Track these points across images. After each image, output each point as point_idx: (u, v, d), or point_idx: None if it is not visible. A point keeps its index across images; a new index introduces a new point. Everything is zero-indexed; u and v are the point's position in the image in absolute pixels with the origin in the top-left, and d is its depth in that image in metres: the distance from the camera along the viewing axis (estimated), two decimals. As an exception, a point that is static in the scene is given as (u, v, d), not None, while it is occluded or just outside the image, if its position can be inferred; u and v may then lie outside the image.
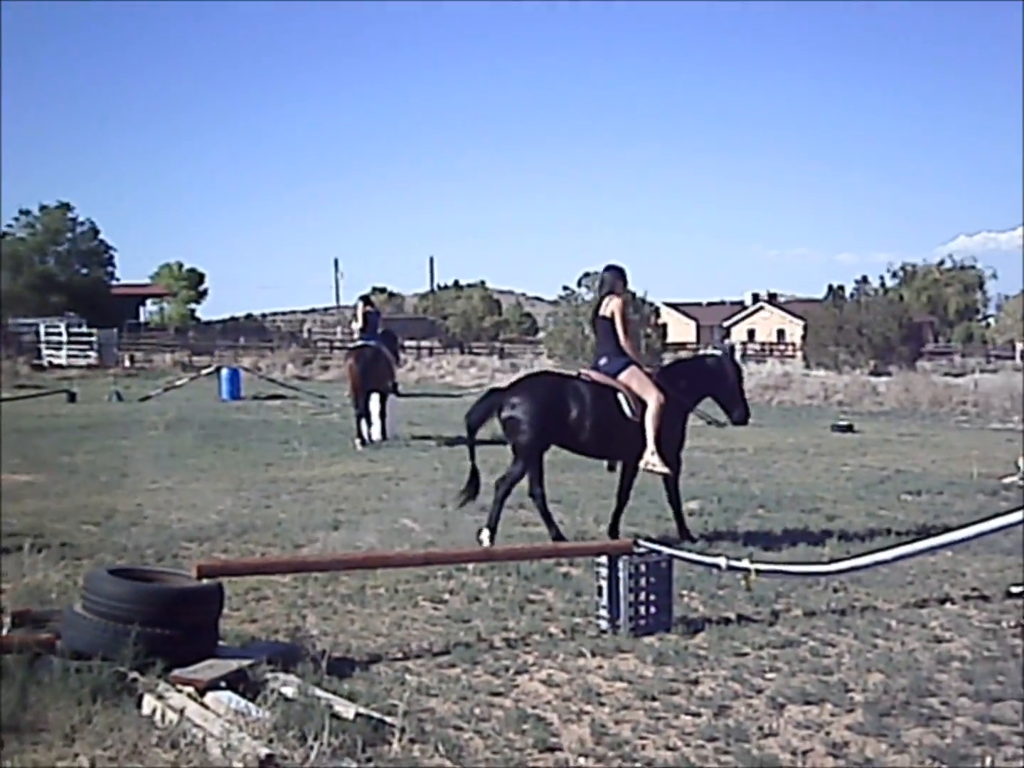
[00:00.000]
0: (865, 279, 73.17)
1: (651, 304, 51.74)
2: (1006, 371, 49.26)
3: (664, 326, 53.57)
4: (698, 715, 5.61)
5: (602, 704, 5.78)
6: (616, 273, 10.41)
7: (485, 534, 9.60)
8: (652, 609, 7.09)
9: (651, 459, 9.86)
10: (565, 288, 51.83)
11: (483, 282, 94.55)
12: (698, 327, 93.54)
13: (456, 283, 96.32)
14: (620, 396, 9.87)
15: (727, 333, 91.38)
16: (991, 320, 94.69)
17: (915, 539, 8.88)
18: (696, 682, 6.13)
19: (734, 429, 20.63)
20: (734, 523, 10.95)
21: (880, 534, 10.28)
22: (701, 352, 10.00)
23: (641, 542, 7.38)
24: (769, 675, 6.26)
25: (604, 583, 7.10)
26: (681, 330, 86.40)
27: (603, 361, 10.12)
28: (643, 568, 7.07)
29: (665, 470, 9.98)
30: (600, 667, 6.39)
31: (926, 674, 6.28)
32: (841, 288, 66.93)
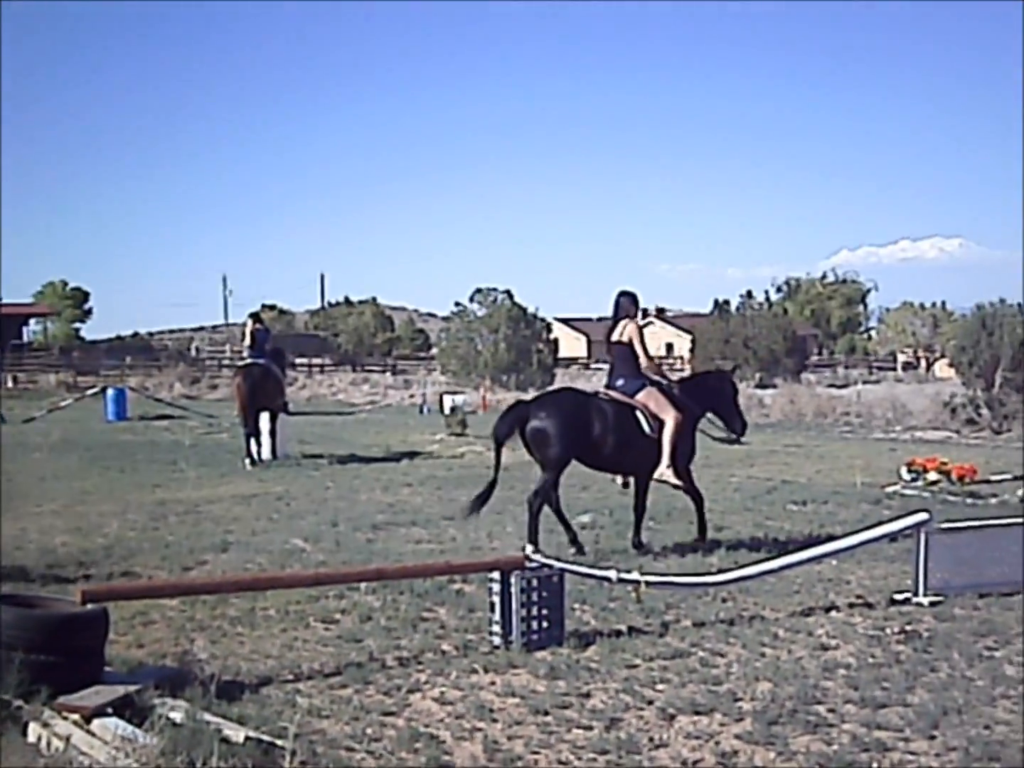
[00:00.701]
0: (750, 293, 74.65)
1: (542, 320, 52.06)
2: (888, 382, 50.61)
3: (555, 341, 53.95)
4: (590, 728, 5.64)
5: (495, 720, 5.78)
6: (630, 299, 10.96)
7: (530, 549, 9.55)
8: (544, 624, 7.11)
9: (665, 471, 10.42)
10: (457, 304, 51.92)
11: (375, 298, 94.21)
12: (589, 342, 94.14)
13: (347, 299, 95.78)
14: (639, 414, 10.36)
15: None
16: (873, 332, 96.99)
17: (801, 548, 9.04)
18: (588, 695, 6.16)
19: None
20: (625, 535, 11.01)
21: (767, 544, 10.47)
22: (704, 370, 10.45)
23: (533, 556, 7.41)
24: (659, 686, 6.32)
25: (497, 599, 7.10)
26: (572, 345, 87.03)
27: (620, 382, 10.62)
28: (535, 583, 7.09)
29: (677, 482, 10.60)
30: (493, 683, 6.39)
31: (813, 682, 6.39)
32: (727, 302, 68.18)
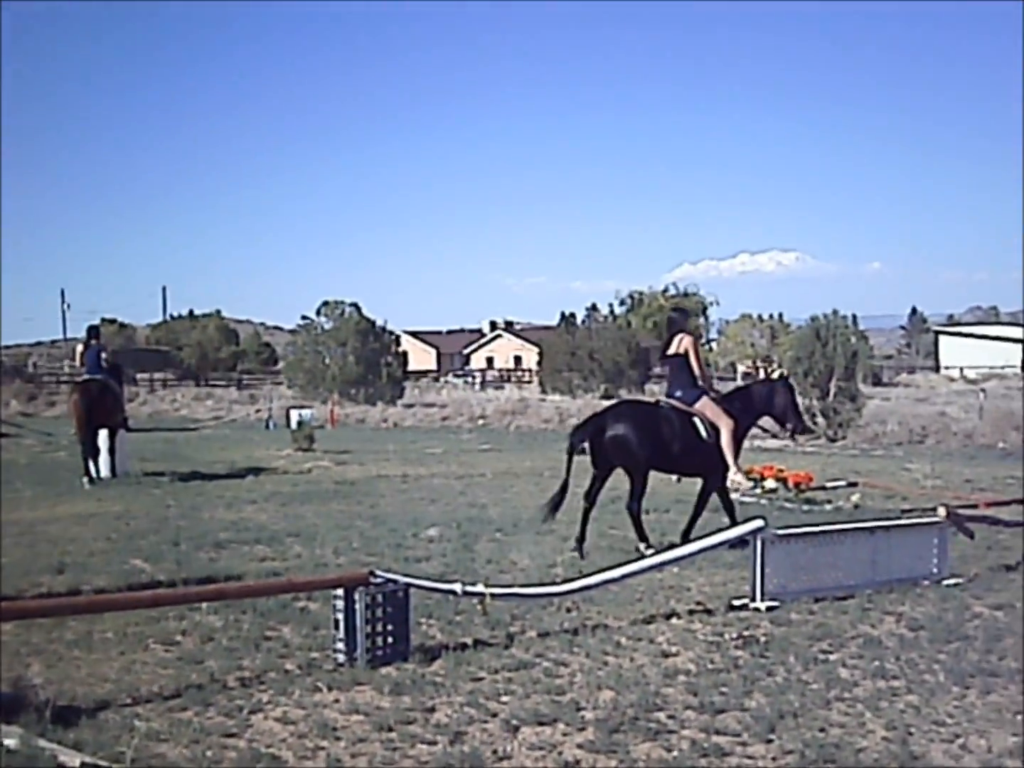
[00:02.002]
0: (595, 307, 75.62)
1: (391, 333, 51.90)
2: (729, 392, 51.60)
3: (405, 354, 53.80)
4: (434, 743, 5.62)
5: (338, 738, 5.72)
6: (683, 315, 12.27)
7: (642, 546, 10.73)
8: (390, 639, 7.07)
9: (735, 477, 11.42)
10: (304, 317, 51.38)
11: (219, 311, 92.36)
12: (439, 355, 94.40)
13: (191, 313, 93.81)
14: (697, 421, 11.20)
15: (467, 360, 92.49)
16: (713, 344, 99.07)
17: (644, 556, 9.19)
18: (432, 710, 6.14)
19: (474, 455, 20.90)
20: (472, 548, 11.06)
21: (611, 553, 10.60)
22: (757, 380, 11.61)
23: (377, 572, 7.36)
24: (504, 698, 6.34)
25: (340, 616, 7.04)
26: (422, 358, 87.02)
27: (679, 392, 11.44)
28: (380, 598, 7.05)
29: (749, 485, 11.93)
30: (337, 701, 6.33)
31: (654, 688, 6.49)
32: (573, 315, 68.94)
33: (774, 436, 12.69)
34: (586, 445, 11.30)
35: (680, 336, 11.52)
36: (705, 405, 11.29)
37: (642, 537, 10.93)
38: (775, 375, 12.57)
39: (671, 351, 11.56)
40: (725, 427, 11.20)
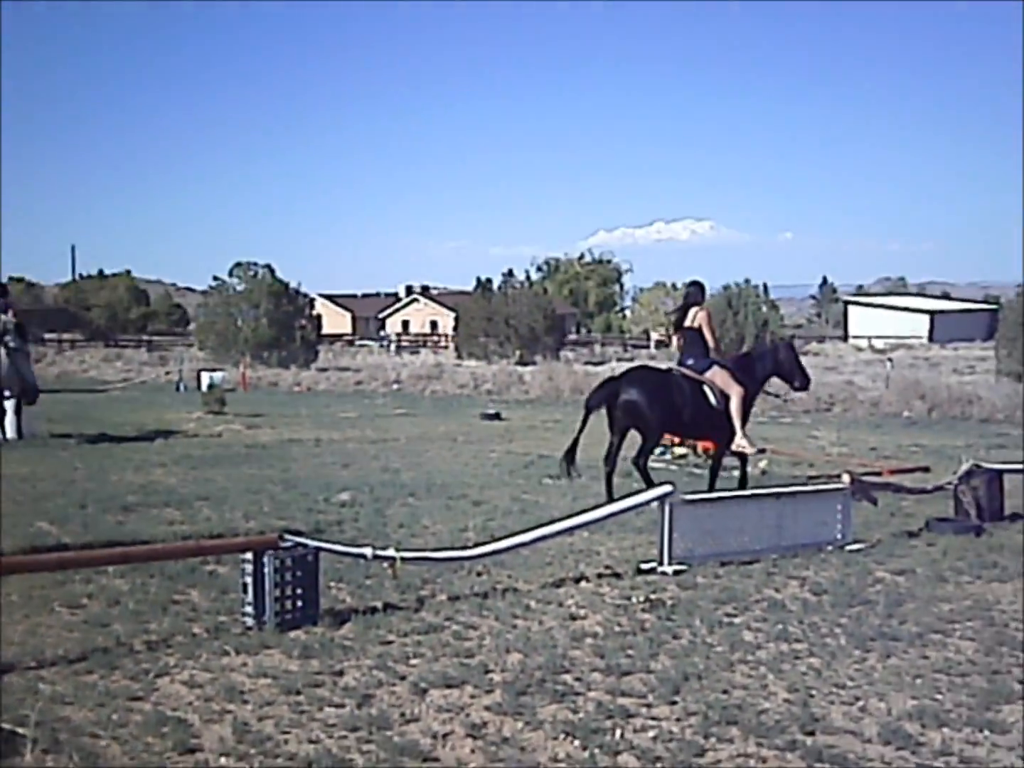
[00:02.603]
0: (512, 272, 75.51)
1: (305, 295, 51.43)
2: (641, 359, 52.04)
3: (319, 317, 53.33)
4: (342, 706, 5.63)
5: (245, 702, 5.70)
6: (699, 288, 12.65)
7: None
8: (299, 603, 7.05)
9: (741, 442, 11.94)
10: (216, 278, 50.69)
11: (129, 271, 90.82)
12: (354, 318, 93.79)
13: (100, 272, 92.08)
14: (707, 389, 11.84)
15: (382, 324, 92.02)
16: (628, 311, 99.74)
17: (554, 521, 9.25)
18: (341, 673, 6.15)
19: (389, 420, 20.87)
20: (384, 512, 11.06)
21: (523, 517, 10.66)
22: (759, 345, 12.19)
23: (287, 536, 7.33)
24: (413, 661, 6.36)
25: (249, 579, 7.00)
26: (337, 321, 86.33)
27: (691, 361, 12.07)
28: (289, 562, 7.02)
29: (753, 450, 12.22)
30: (244, 665, 6.30)
31: (561, 651, 6.56)
32: (490, 281, 68.76)
33: (772, 394, 13.28)
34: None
35: (696, 309, 12.21)
36: (715, 374, 11.93)
37: (649, 484, 11.14)
38: (780, 338, 13.08)
39: (687, 323, 12.21)
40: (735, 394, 11.85)
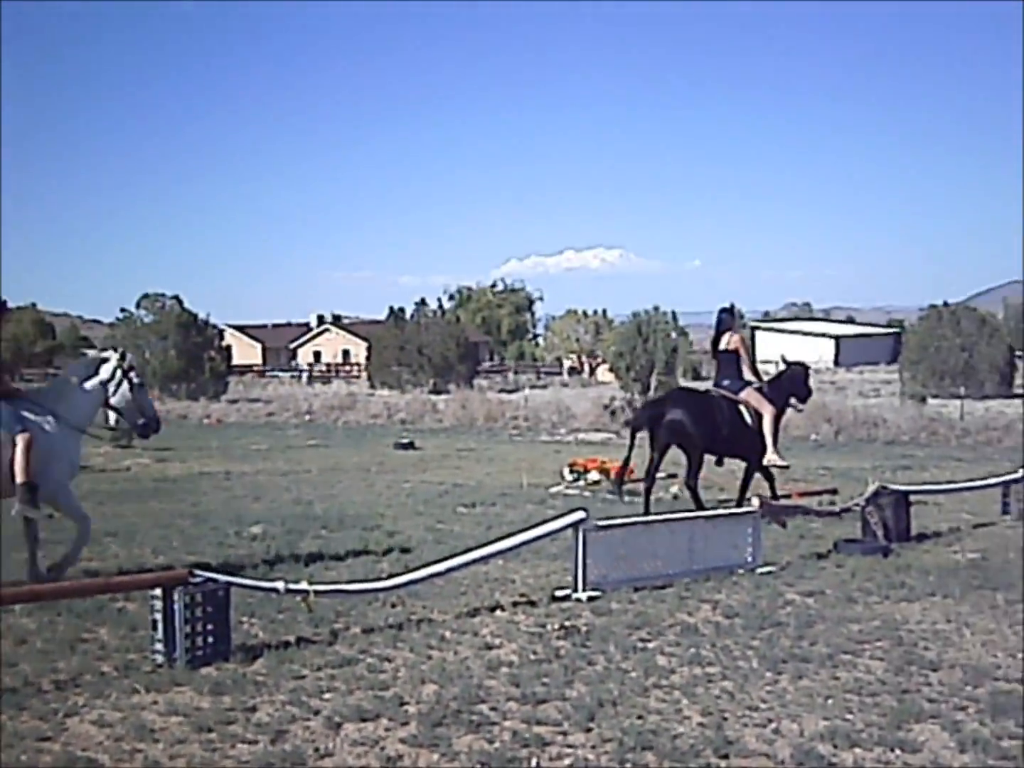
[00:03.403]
0: (424, 301, 75.28)
1: (214, 326, 50.90)
2: (554, 387, 52.41)
3: (229, 348, 52.74)
4: (255, 743, 5.55)
5: (156, 741, 5.60)
6: (731, 314, 13.43)
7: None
8: (210, 639, 6.95)
9: (772, 457, 12.87)
10: (123, 310, 49.97)
11: (34, 304, 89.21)
12: (264, 349, 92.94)
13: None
14: (742, 408, 12.70)
15: (294, 354, 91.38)
16: (540, 339, 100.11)
17: (469, 550, 9.24)
18: (254, 709, 6.06)
19: (301, 451, 20.71)
20: (297, 545, 10.94)
21: (437, 547, 10.61)
22: (781, 368, 13.65)
23: (197, 571, 7.23)
24: (327, 695, 6.30)
25: (159, 616, 6.88)
26: (247, 352, 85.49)
27: (726, 382, 12.91)
28: (199, 598, 6.92)
29: (785, 464, 13.25)
30: (155, 702, 6.19)
31: (477, 681, 6.54)
32: (402, 310, 68.43)
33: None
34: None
35: (730, 334, 13.05)
36: (749, 394, 12.80)
37: (700, 507, 12.10)
38: (796, 362, 13.98)
39: (722, 347, 13.07)
40: (768, 413, 12.76)
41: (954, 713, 6.09)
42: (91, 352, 10.12)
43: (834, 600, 8.71)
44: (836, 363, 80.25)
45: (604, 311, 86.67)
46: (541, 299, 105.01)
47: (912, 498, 11.79)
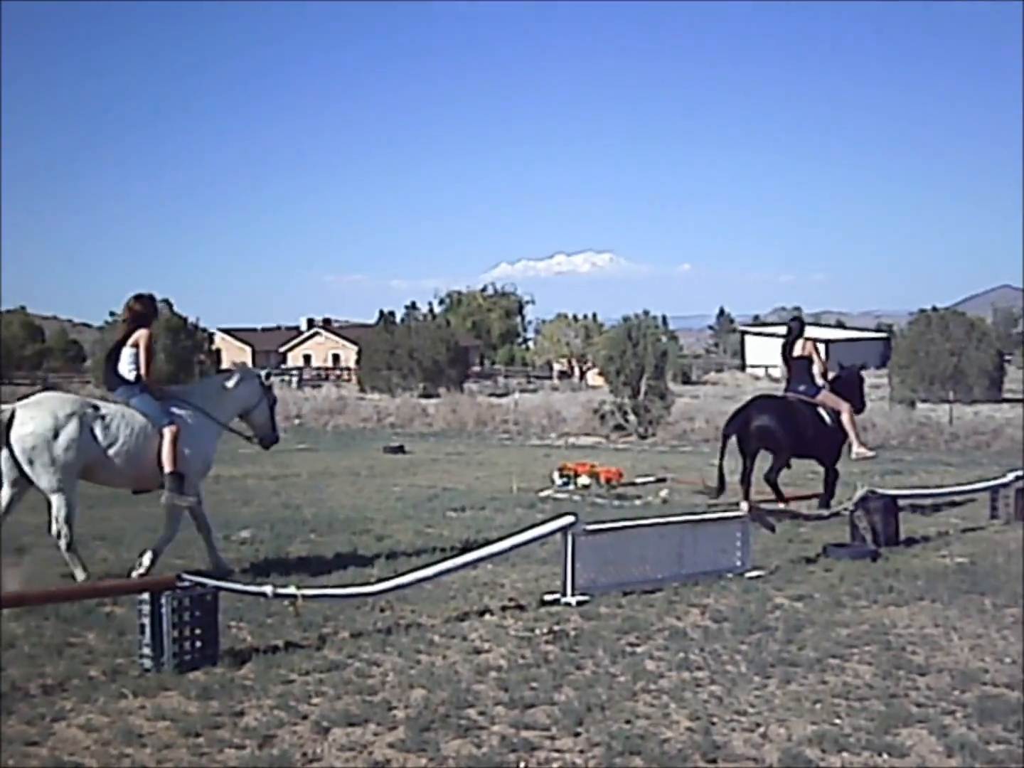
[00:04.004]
0: (414, 305, 75.50)
1: (204, 330, 50.90)
2: (544, 391, 52.36)
3: (218, 352, 52.78)
4: (242, 747, 5.54)
5: (144, 745, 5.59)
6: (799, 323, 14.53)
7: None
8: (198, 643, 6.94)
9: (859, 450, 13.99)
10: (112, 314, 49.97)
11: (23, 307, 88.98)
12: (254, 353, 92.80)
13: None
14: (821, 410, 13.56)
15: (283, 358, 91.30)
16: (530, 343, 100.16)
17: (458, 554, 9.24)
18: (241, 714, 6.05)
19: (290, 455, 20.70)
20: (286, 549, 10.94)
21: (427, 551, 10.62)
22: (840, 372, 14.45)
23: (185, 576, 7.21)
24: (315, 700, 6.30)
25: (147, 620, 6.87)
26: (237, 355, 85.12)
27: (802, 387, 13.74)
28: (187, 602, 6.91)
29: (871, 454, 14.57)
30: (143, 707, 6.18)
31: (465, 686, 6.54)
32: (392, 314, 68.67)
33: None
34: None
35: (802, 341, 13.88)
36: (826, 397, 13.64)
37: (780, 498, 13.10)
38: (852, 367, 14.73)
39: (796, 353, 13.89)
40: (846, 410, 13.63)
41: (942, 717, 6.10)
42: (242, 365, 11.14)
43: (822, 604, 8.72)
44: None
45: (594, 315, 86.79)
46: (531, 303, 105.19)
47: (901, 502, 11.82)
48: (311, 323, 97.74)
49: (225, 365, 57.60)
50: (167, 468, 9.34)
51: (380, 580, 8.70)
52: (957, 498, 14.18)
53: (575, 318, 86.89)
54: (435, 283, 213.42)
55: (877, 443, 25.25)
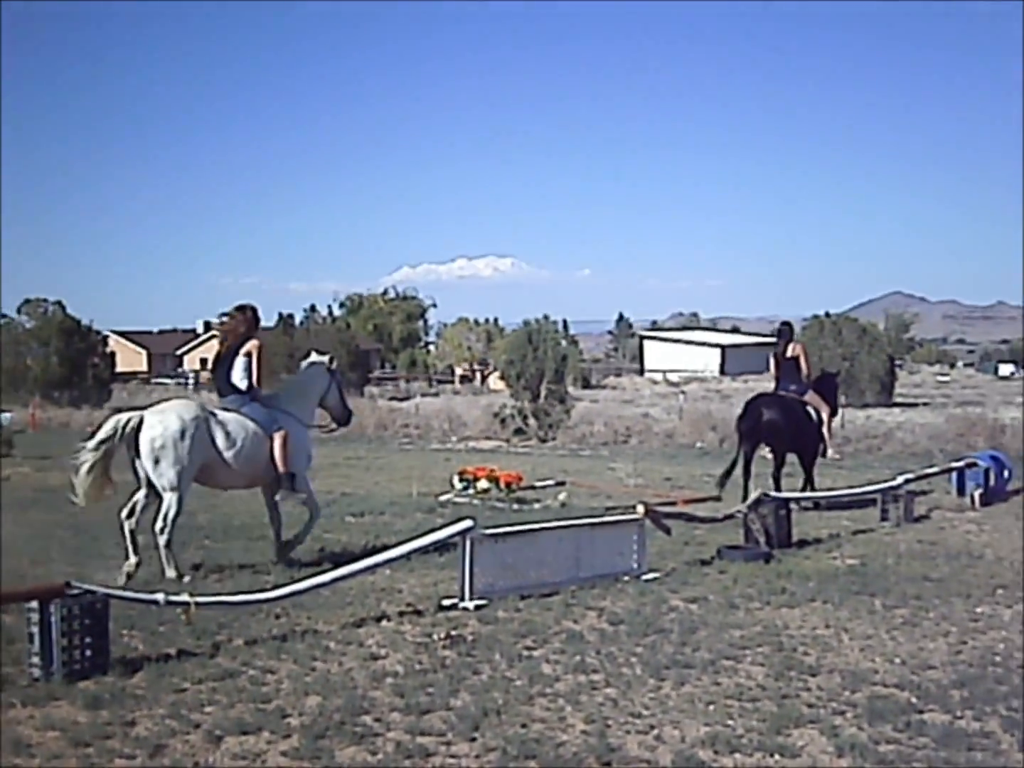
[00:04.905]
0: (314, 308, 74.89)
1: (98, 333, 49.93)
2: (446, 395, 52.33)
3: (113, 355, 51.74)
4: (133, 757, 5.46)
5: (32, 755, 5.48)
6: (789, 327, 15.61)
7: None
8: (88, 652, 6.81)
9: (831, 451, 15.82)
10: (3, 316, 48.91)
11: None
12: (150, 356, 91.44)
13: None
14: (811, 409, 14.77)
15: (180, 361, 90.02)
16: (432, 347, 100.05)
17: (356, 559, 9.18)
18: (133, 723, 5.96)
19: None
20: (180, 556, 10.75)
21: (325, 557, 10.54)
22: (819, 375, 16.17)
23: (75, 583, 7.07)
24: (208, 708, 6.22)
25: (36, 629, 6.73)
26: (132, 359, 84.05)
27: (793, 386, 14.85)
28: (77, 610, 6.78)
29: (838, 456, 16.54)
30: (32, 717, 6.05)
31: (361, 692, 6.51)
32: (291, 316, 68.02)
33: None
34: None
35: (793, 343, 15.06)
36: (812, 396, 14.87)
37: (746, 495, 13.32)
38: (829, 372, 16.71)
39: (788, 354, 14.98)
40: (826, 412, 14.98)
41: (832, 718, 6.22)
42: (311, 358, 11.70)
43: (716, 606, 8.84)
44: (722, 372, 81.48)
45: (496, 319, 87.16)
46: (433, 307, 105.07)
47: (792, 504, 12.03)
48: (208, 326, 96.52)
49: (120, 368, 56.65)
50: (281, 469, 10.24)
51: (276, 587, 8.61)
52: (848, 500, 14.45)
53: (476, 322, 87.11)
54: (335, 286, 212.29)
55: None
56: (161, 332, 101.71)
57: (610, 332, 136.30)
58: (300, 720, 6.01)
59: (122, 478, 10.24)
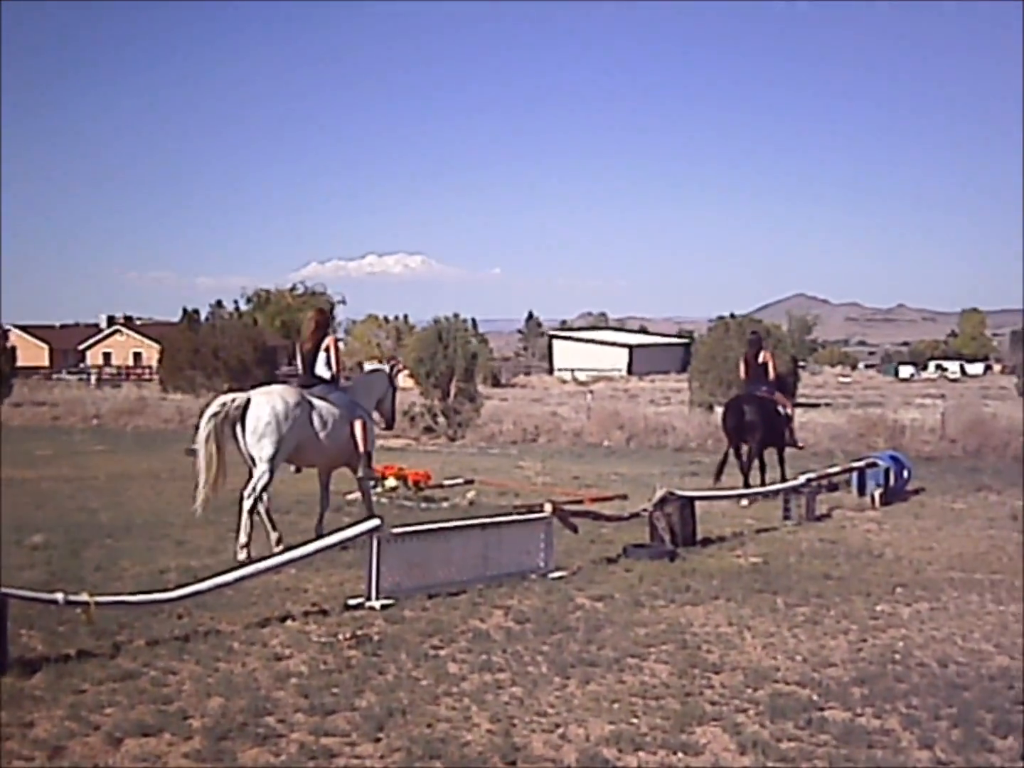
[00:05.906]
0: (220, 303, 74.00)
1: (-3, 327, 48.75)
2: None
3: (13, 349, 50.56)
4: (31, 759, 5.36)
5: (-77, 761, 5.33)
6: (758, 335, 18.16)
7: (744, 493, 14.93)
8: (-16, 653, 6.67)
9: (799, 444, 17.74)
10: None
11: None
12: (51, 350, 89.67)
13: None
14: (779, 407, 16.48)
15: (82, 356, 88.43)
16: (341, 344, 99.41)
17: (260, 559, 9.08)
18: (31, 724, 5.84)
19: (87, 457, 20.00)
20: (80, 554, 10.59)
21: (228, 556, 10.42)
22: (782, 372, 18.76)
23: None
24: (108, 710, 6.11)
25: (-72, 630, 6.57)
26: (33, 353, 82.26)
27: (763, 387, 16.46)
28: (-28, 610, 6.63)
29: (801, 446, 18.17)
30: (-76, 720, 5.90)
31: (264, 693, 6.44)
32: (197, 312, 67.15)
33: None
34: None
35: (764, 351, 16.73)
36: (778, 396, 16.59)
37: (747, 484, 15.64)
38: (787, 372, 18.42)
39: (760, 360, 16.57)
40: (790, 408, 16.98)
41: (735, 715, 6.29)
42: (377, 364, 13.63)
43: (622, 604, 8.90)
44: (629, 371, 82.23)
45: (405, 317, 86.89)
46: (342, 303, 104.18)
47: (697, 503, 12.14)
48: (111, 320, 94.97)
49: (21, 363, 55.45)
50: (362, 449, 11.45)
51: (178, 586, 8.49)
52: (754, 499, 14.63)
53: (386, 319, 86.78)
54: (242, 281, 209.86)
55: (677, 445, 25.94)
56: (64, 326, 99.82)
57: (520, 331, 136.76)
58: (202, 722, 5.93)
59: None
